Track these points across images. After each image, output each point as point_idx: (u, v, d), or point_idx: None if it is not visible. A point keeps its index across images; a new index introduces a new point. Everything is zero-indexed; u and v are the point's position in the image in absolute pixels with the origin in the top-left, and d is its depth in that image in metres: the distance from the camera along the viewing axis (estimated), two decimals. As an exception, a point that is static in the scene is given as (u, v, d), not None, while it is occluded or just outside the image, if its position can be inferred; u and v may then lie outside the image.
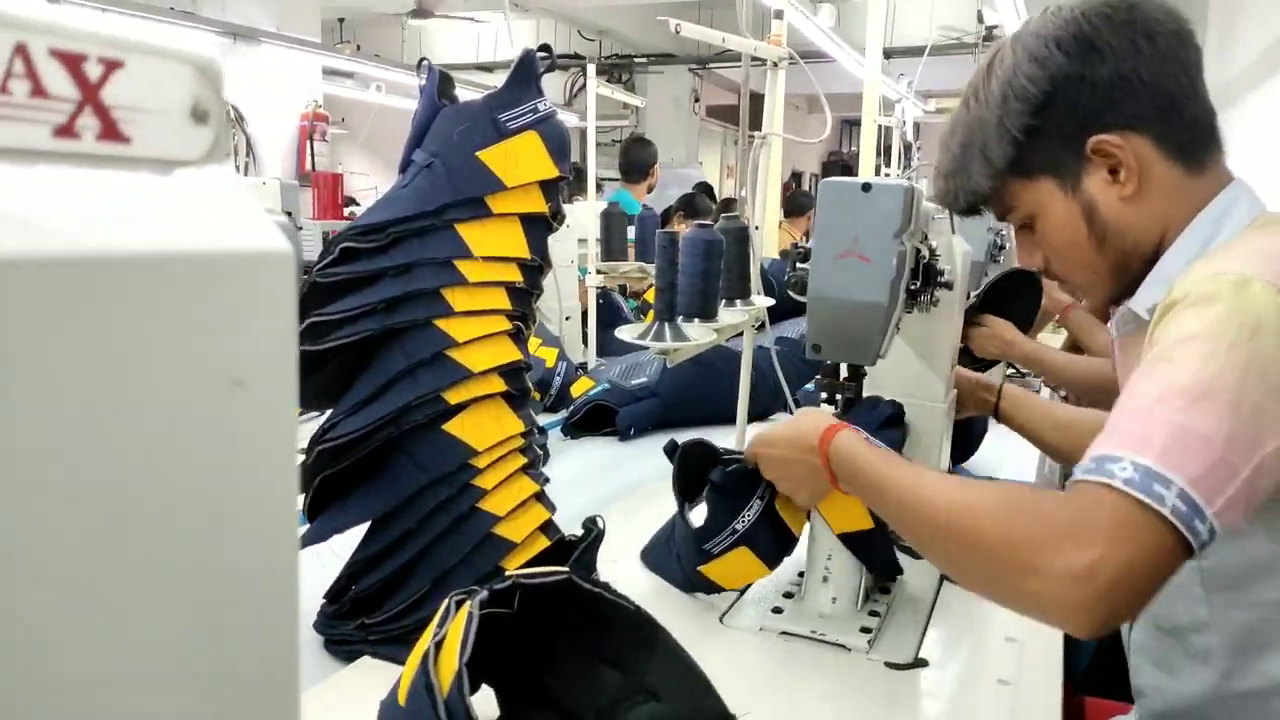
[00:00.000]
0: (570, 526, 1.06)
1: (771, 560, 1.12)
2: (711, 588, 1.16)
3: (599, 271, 2.35)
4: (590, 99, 2.42)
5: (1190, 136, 0.92)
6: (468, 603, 0.73)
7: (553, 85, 5.94)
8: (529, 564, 1.00)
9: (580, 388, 2.04)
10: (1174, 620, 0.96)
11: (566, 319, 2.48)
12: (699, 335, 1.43)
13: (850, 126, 14.09)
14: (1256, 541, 0.88)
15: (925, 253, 1.13)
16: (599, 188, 5.25)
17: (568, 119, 5.48)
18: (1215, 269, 0.80)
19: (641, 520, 1.44)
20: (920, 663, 1.03)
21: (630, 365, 2.07)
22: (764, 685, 0.99)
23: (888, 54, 6.81)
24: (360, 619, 1.00)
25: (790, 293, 1.12)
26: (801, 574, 1.19)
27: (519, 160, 0.98)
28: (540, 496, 1.03)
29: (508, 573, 0.77)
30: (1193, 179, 0.92)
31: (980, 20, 5.62)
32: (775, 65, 1.67)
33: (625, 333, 1.43)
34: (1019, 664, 1.03)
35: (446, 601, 0.76)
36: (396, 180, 1.02)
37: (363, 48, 7.58)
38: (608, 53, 9.61)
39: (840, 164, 10.60)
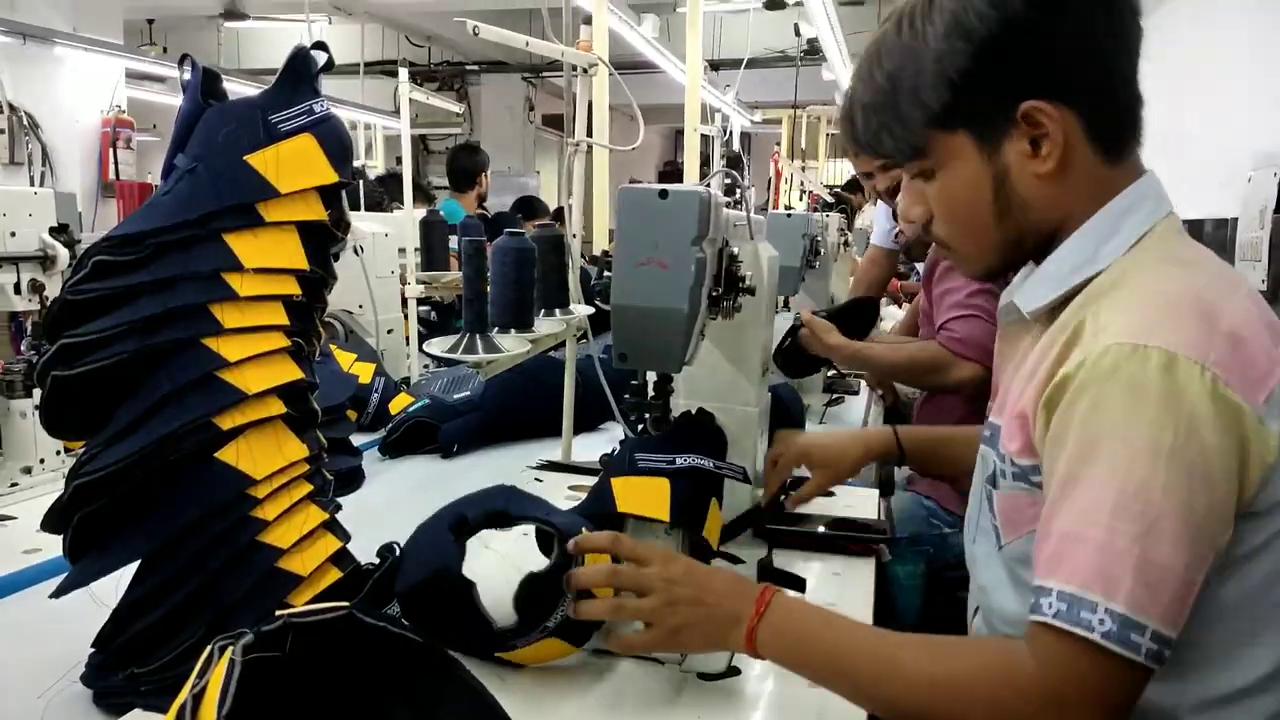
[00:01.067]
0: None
1: (678, 514, 1.05)
2: (601, 503, 1.08)
3: (420, 282, 2.27)
4: (403, 104, 2.34)
5: (1117, 124, 0.88)
6: (230, 649, 0.67)
7: (384, 92, 5.76)
8: (319, 598, 0.93)
9: (399, 404, 1.96)
10: None
11: (388, 332, 2.39)
12: (513, 346, 1.39)
13: (678, 135, 14.40)
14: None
15: (726, 259, 1.13)
16: (431, 198, 5.15)
17: (394, 126, 5.32)
18: (1132, 336, 0.78)
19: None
20: (733, 671, 1.02)
21: (453, 379, 2.00)
22: (575, 712, 0.95)
23: (714, 65, 6.98)
24: (130, 668, 0.91)
25: (596, 301, 1.09)
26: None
27: (293, 165, 0.91)
28: (331, 525, 0.97)
29: (279, 613, 0.71)
30: (1108, 169, 0.88)
31: (798, 34, 5.81)
32: (585, 71, 1.65)
33: (434, 346, 1.38)
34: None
35: (209, 648, 0.68)
36: (158, 188, 0.93)
37: (175, 50, 7.16)
38: (438, 59, 9.44)
39: (677, 173, 10.75)
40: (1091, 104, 0.86)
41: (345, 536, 0.98)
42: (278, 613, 0.72)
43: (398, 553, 0.98)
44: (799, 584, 1.22)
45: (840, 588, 1.27)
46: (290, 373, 0.92)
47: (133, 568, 0.91)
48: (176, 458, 0.88)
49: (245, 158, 0.90)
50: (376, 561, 1.00)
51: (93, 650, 0.94)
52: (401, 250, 2.45)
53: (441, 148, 9.66)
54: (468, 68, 9.61)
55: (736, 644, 0.90)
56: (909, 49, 0.88)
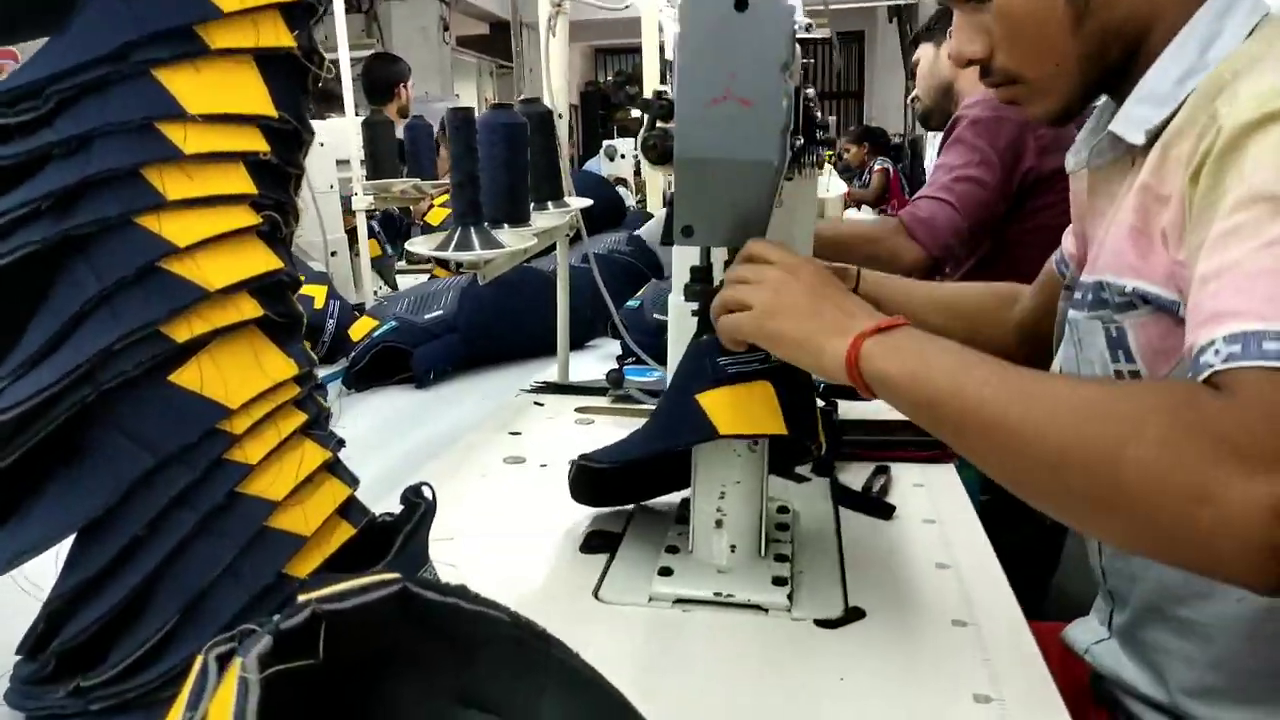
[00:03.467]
0: (370, 503, 0.76)
1: (790, 422, 0.81)
2: (689, 431, 0.83)
3: (368, 193, 1.99)
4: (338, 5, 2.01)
5: None
6: (237, 660, 0.43)
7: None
8: (329, 567, 0.69)
9: (361, 329, 1.70)
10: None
11: (332, 254, 2.10)
12: (514, 242, 1.15)
13: (605, 56, 13.91)
14: None
15: (803, 100, 0.89)
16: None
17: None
18: None
19: (467, 482, 1.15)
20: (856, 613, 0.82)
21: (420, 297, 1.75)
22: (672, 672, 0.74)
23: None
24: (75, 680, 0.66)
25: (646, 162, 0.85)
26: (684, 519, 0.95)
27: (240, -30, 0.65)
28: (334, 467, 0.73)
29: (302, 597, 0.47)
30: None
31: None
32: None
33: (420, 244, 1.13)
34: (965, 598, 0.84)
35: (202, 658, 0.45)
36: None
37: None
38: (345, -22, 8.85)
39: (599, 93, 10.37)
40: None
41: (353, 480, 0.74)
42: (301, 598, 0.48)
43: (431, 498, 0.74)
44: (888, 510, 1.03)
45: (932, 501, 1.07)
46: (264, 260, 0.67)
47: (69, 542, 0.67)
48: (115, 385, 0.62)
49: (172, -37, 0.64)
50: (394, 513, 0.76)
51: (20, 658, 0.69)
52: (342, 162, 2.15)
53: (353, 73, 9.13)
54: (377, -14, 9.04)
55: (835, 355, 0.70)
56: None
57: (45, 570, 0.67)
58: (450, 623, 0.50)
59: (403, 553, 0.71)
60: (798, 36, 0.81)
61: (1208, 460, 0.53)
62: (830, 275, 0.78)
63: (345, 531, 0.71)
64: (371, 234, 2.12)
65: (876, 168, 6.85)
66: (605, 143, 3.87)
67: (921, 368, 0.66)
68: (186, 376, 0.64)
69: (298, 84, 0.69)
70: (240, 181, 0.65)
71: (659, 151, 0.82)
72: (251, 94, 0.66)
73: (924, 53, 2.05)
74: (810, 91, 0.92)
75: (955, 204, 1.76)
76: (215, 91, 0.64)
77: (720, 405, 0.80)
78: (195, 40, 0.64)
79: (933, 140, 3.03)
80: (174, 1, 0.63)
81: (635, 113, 8.72)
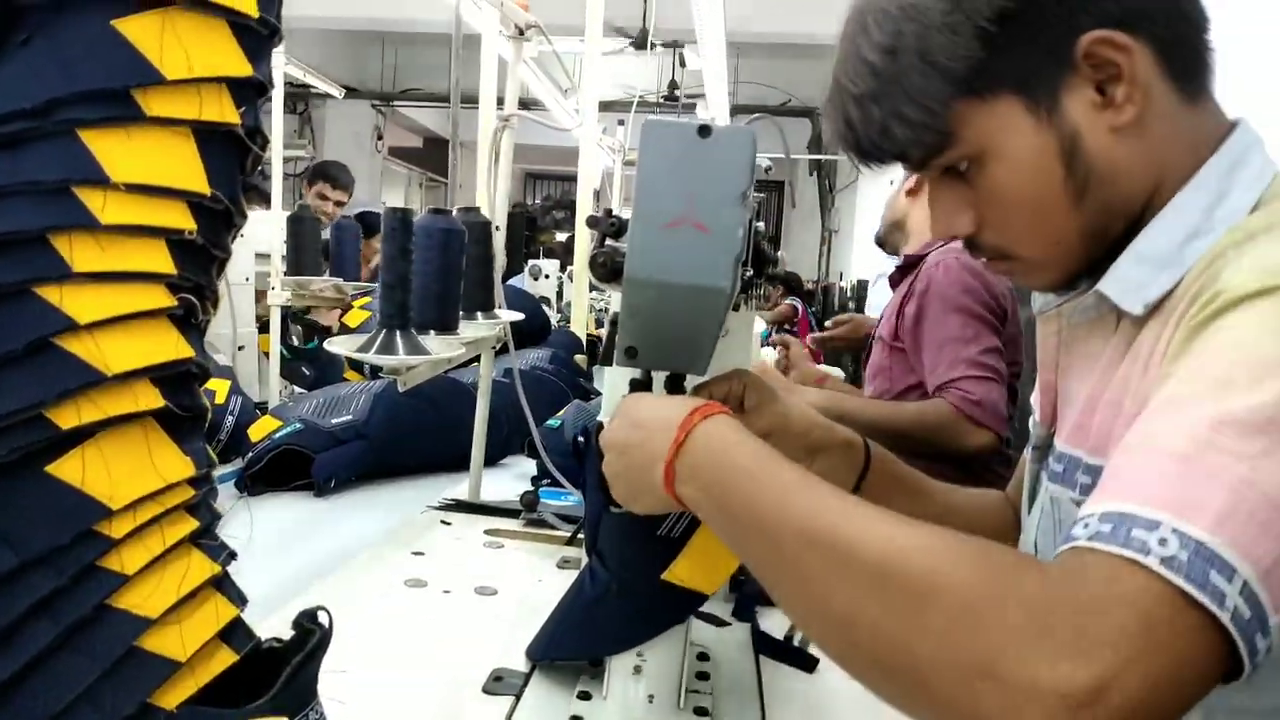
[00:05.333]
0: (254, 619, 0.68)
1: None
2: (681, 606, 0.80)
3: (285, 289, 1.92)
4: (278, 75, 1.99)
5: (1194, 51, 0.69)
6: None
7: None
8: (201, 697, 0.61)
9: (262, 429, 1.60)
10: None
11: (240, 348, 2.01)
12: (441, 349, 1.10)
13: (534, 180, 14.20)
14: None
15: (754, 232, 0.88)
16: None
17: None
18: None
19: (363, 605, 1.06)
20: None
21: (329, 400, 1.67)
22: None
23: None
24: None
25: (593, 278, 0.82)
26: (598, 663, 0.88)
27: (187, 40, 0.61)
28: (221, 583, 0.65)
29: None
30: (1192, 112, 0.69)
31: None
32: (522, 33, 1.39)
33: (340, 344, 1.07)
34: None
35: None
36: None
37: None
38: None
39: (525, 214, 10.54)
40: (1164, 27, 0.67)
41: (241, 600, 0.66)
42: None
43: (327, 625, 0.66)
44: (812, 662, 0.98)
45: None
46: (173, 347, 0.61)
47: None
48: (-18, 472, 0.55)
49: (114, 23, 0.59)
50: (282, 637, 0.68)
51: None
52: (261, 256, 2.08)
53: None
54: (311, 90, 9.10)
55: (658, 489, 0.68)
56: (909, 5, 0.67)
57: None
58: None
59: (288, 688, 0.63)
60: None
61: (1014, 626, 0.47)
62: (637, 396, 0.78)
63: (226, 658, 0.63)
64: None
65: (786, 303, 7.25)
66: (530, 262, 3.91)
67: (719, 496, 0.65)
68: (67, 468, 0.57)
69: (236, 163, 0.65)
70: (159, 259, 0.60)
71: (608, 269, 0.79)
72: (185, 167, 0.61)
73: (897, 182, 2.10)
74: (760, 225, 0.91)
75: (996, 377, 1.75)
76: (145, 160, 0.59)
77: (690, 573, 0.77)
78: (130, 104, 0.59)
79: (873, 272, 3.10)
80: (113, 61, 0.59)
81: (560, 236, 8.86)
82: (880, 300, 2.90)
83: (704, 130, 0.75)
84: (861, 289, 7.45)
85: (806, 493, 0.60)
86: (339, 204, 3.85)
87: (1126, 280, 0.69)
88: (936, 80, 0.67)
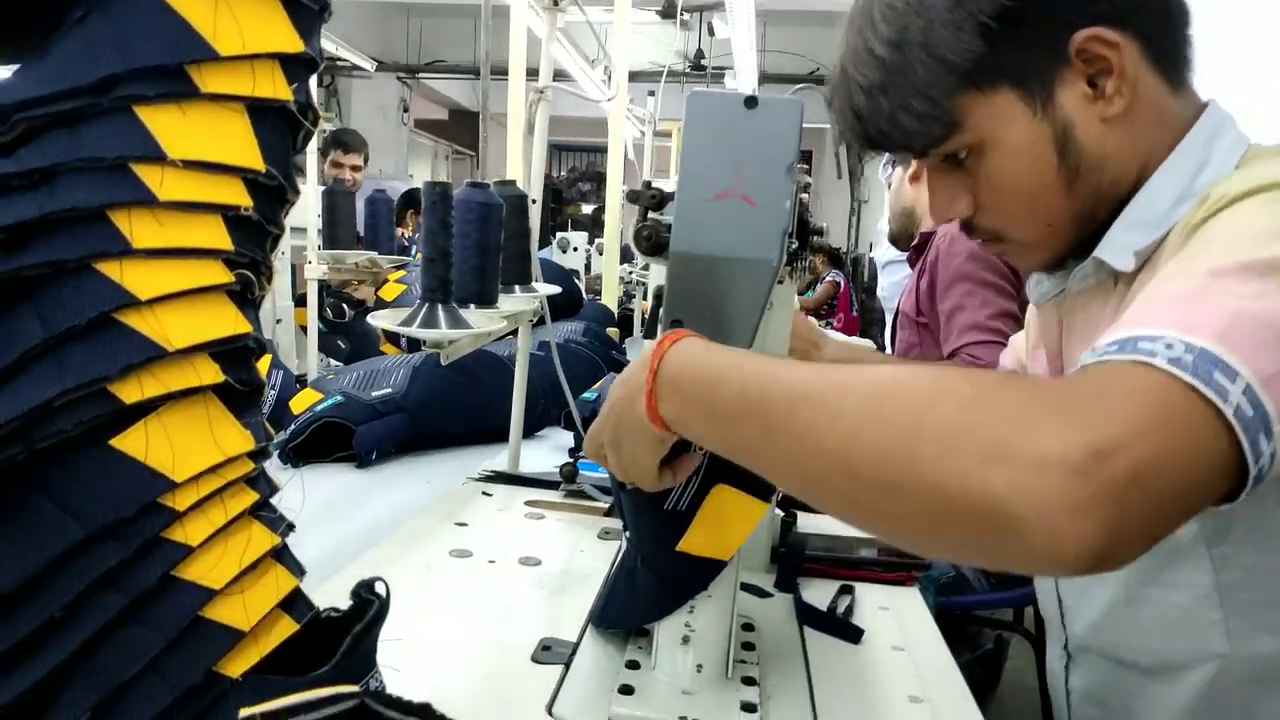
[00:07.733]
0: (304, 588, 0.69)
1: (764, 490, 0.78)
2: (701, 574, 0.80)
3: (322, 263, 1.93)
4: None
5: (1177, 42, 0.74)
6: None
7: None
8: (263, 666, 0.62)
9: (303, 402, 1.62)
10: (1161, 653, 0.76)
11: (278, 322, 2.03)
12: (482, 323, 1.10)
13: (560, 152, 14.15)
14: None
15: (799, 203, 0.88)
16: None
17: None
18: (1272, 177, 0.61)
19: (411, 576, 1.07)
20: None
21: (368, 373, 1.68)
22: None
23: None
24: (-44, 783, 0.57)
25: (636, 250, 0.82)
26: (645, 633, 0.89)
27: (240, 15, 0.61)
28: (281, 554, 0.66)
29: (245, 712, 0.41)
30: (1175, 101, 0.74)
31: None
32: (556, 3, 1.38)
33: (383, 319, 1.08)
34: (941, 734, 0.80)
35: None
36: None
37: None
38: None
39: (551, 186, 10.53)
40: (1153, 21, 0.72)
41: (299, 570, 0.67)
42: (244, 713, 0.42)
43: (384, 594, 0.67)
44: (857, 634, 0.99)
45: (898, 626, 1.03)
46: (232, 322, 0.62)
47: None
48: (50, 445, 0.56)
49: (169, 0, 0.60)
50: (339, 609, 0.69)
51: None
52: (296, 229, 2.10)
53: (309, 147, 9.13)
54: (339, 63, 9.11)
55: (646, 426, 0.67)
56: (914, 2, 0.72)
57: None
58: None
59: (350, 656, 0.64)
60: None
61: (1017, 413, 0.47)
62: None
63: (287, 627, 0.64)
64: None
65: (828, 279, 7.08)
66: (559, 235, 3.90)
67: (708, 400, 0.63)
68: (130, 442, 0.58)
69: (288, 139, 0.65)
70: (216, 235, 0.60)
71: (652, 243, 0.79)
72: (240, 144, 0.61)
73: (895, 175, 2.09)
74: (805, 196, 0.90)
75: (1004, 340, 1.69)
76: (201, 137, 0.60)
77: (704, 542, 0.77)
78: (186, 80, 0.59)
79: (881, 255, 3.09)
80: (168, 37, 0.59)
81: (586, 208, 8.83)
82: (890, 284, 2.89)
83: (750, 101, 0.74)
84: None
85: (791, 368, 0.59)
86: (355, 169, 3.80)
87: (1119, 244, 0.74)
88: (941, 74, 0.72)
